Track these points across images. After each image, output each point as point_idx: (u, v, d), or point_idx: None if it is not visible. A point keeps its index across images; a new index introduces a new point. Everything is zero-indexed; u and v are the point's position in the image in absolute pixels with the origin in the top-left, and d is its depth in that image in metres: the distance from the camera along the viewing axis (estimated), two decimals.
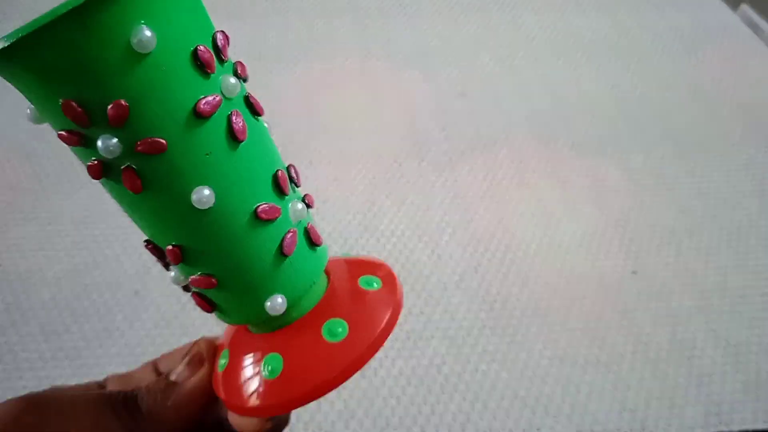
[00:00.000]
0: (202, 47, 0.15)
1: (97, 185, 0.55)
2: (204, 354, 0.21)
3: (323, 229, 0.58)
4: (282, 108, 0.72)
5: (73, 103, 0.15)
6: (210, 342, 0.21)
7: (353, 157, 0.66)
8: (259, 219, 0.17)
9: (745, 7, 0.95)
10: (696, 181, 0.65)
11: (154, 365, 0.22)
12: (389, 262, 0.55)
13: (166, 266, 0.19)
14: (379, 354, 0.47)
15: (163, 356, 0.22)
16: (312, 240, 0.19)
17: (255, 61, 0.80)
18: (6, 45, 0.13)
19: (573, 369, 0.47)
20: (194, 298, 0.19)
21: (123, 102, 0.14)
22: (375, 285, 0.20)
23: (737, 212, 0.62)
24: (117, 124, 0.15)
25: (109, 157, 0.15)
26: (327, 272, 0.20)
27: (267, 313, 0.18)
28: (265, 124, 0.19)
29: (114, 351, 0.47)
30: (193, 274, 0.18)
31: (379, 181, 0.63)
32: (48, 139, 0.66)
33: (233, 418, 0.20)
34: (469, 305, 0.51)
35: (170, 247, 0.17)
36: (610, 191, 0.63)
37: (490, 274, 0.54)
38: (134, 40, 0.14)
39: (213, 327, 0.48)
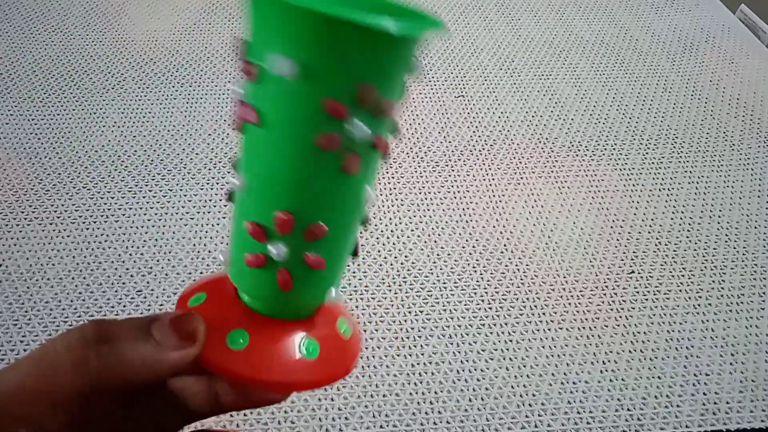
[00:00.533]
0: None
1: (99, 185, 0.55)
2: (198, 333, 0.20)
3: None
4: None
5: (370, 88, 0.17)
6: (201, 325, 0.20)
7: None
8: (366, 222, 0.20)
9: (743, 8, 0.96)
10: (694, 182, 0.65)
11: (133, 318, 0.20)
12: (389, 262, 0.55)
13: (266, 239, 0.19)
14: (380, 352, 0.48)
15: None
16: (357, 250, 0.22)
17: None
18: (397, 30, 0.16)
19: (570, 367, 0.47)
20: (282, 274, 0.20)
21: (392, 101, 0.18)
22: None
23: (735, 212, 0.62)
24: (376, 116, 0.17)
25: (357, 140, 0.17)
26: None
27: (321, 301, 0.20)
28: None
29: None
30: (312, 253, 0.19)
31: (379, 181, 0.64)
32: (49, 138, 0.67)
33: (251, 394, 0.21)
34: (468, 304, 0.52)
35: (314, 226, 0.19)
36: (608, 191, 0.64)
37: (489, 273, 0.54)
38: (412, 67, 0.18)
39: None
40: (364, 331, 0.49)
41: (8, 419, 0.17)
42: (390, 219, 0.60)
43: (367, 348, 0.48)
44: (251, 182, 0.19)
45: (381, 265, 0.55)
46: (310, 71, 0.16)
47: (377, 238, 0.58)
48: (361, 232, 0.21)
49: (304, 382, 0.20)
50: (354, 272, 0.54)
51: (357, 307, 0.51)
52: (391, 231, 0.58)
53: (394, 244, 0.57)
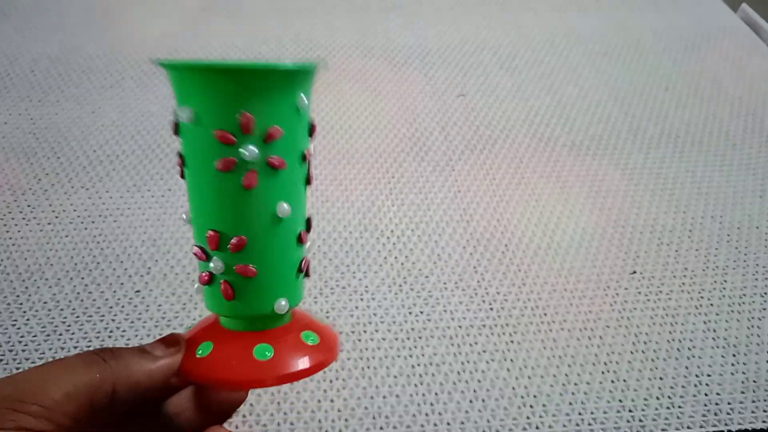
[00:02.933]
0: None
1: (97, 185, 0.55)
2: (180, 341, 0.24)
3: (323, 229, 0.58)
4: None
5: (249, 115, 0.21)
6: (182, 335, 0.24)
7: (353, 157, 0.66)
8: (300, 241, 0.24)
9: (745, 7, 0.95)
10: (696, 181, 0.65)
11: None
12: (389, 262, 0.55)
13: (207, 257, 0.23)
14: (379, 353, 0.48)
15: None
16: (308, 270, 0.25)
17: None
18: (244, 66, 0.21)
19: (572, 368, 0.47)
20: (223, 285, 0.23)
21: (278, 128, 0.21)
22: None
23: (737, 212, 0.62)
24: (266, 141, 0.21)
25: (248, 160, 0.21)
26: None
27: (273, 310, 0.23)
28: None
29: None
30: (240, 263, 0.23)
31: (379, 181, 0.63)
32: (48, 139, 0.66)
33: (210, 400, 0.24)
34: (469, 305, 0.52)
35: (236, 238, 0.22)
36: (610, 191, 0.63)
37: (490, 274, 0.54)
38: (298, 102, 0.22)
39: None
40: (364, 332, 0.49)
41: (28, 407, 0.19)
42: (390, 219, 0.59)
43: (366, 349, 0.48)
44: (191, 213, 0.23)
45: (381, 265, 0.55)
46: (200, 112, 0.21)
47: (377, 238, 0.57)
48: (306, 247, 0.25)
49: (254, 380, 0.22)
50: (354, 272, 0.54)
51: (357, 307, 0.51)
52: (392, 231, 0.58)
53: (394, 244, 0.57)
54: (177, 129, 0.23)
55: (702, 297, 0.53)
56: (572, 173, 0.65)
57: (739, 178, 0.66)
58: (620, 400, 0.45)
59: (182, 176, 0.23)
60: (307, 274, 0.25)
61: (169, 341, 0.23)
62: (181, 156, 0.23)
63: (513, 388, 0.46)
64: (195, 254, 0.23)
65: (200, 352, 0.23)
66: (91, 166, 0.63)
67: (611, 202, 0.62)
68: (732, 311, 0.52)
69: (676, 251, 0.57)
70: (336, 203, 0.61)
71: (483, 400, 0.45)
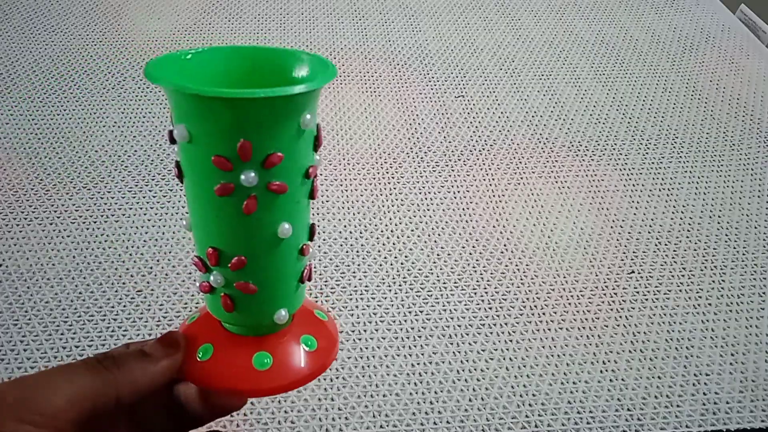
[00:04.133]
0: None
1: (99, 185, 0.55)
2: (179, 341, 0.23)
3: (323, 229, 0.58)
4: None
5: (247, 143, 0.20)
6: (183, 335, 0.24)
7: (353, 157, 0.66)
8: (302, 253, 0.23)
9: (744, 8, 0.96)
10: (694, 181, 0.65)
11: (126, 345, 0.24)
12: (389, 262, 0.55)
13: (207, 270, 0.23)
14: (380, 352, 0.48)
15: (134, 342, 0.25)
16: (310, 275, 0.25)
17: None
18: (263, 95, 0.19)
19: (570, 367, 0.47)
20: (223, 298, 0.23)
21: (279, 153, 0.20)
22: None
23: (735, 212, 0.62)
24: (266, 167, 0.20)
25: (247, 186, 0.20)
26: None
27: (272, 321, 0.23)
28: None
29: None
30: (240, 281, 0.22)
31: (379, 182, 0.64)
32: (49, 139, 0.67)
33: (213, 399, 0.24)
34: (468, 304, 0.52)
35: (236, 258, 0.22)
36: (608, 191, 0.64)
37: (489, 273, 0.54)
38: (302, 122, 0.21)
39: None
40: (364, 331, 0.49)
41: (28, 413, 0.19)
42: (390, 219, 0.60)
43: (367, 348, 0.48)
44: (191, 223, 0.23)
45: (381, 265, 0.55)
46: (197, 134, 0.20)
47: (377, 238, 0.58)
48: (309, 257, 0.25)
49: (253, 390, 0.23)
50: (354, 272, 0.54)
51: (357, 307, 0.51)
52: (391, 231, 0.58)
53: (394, 244, 0.57)
54: (173, 139, 0.22)
55: (700, 296, 0.53)
56: (571, 173, 0.66)
57: (737, 178, 0.66)
58: (619, 399, 0.45)
59: (180, 181, 0.23)
60: (309, 279, 0.25)
61: (168, 341, 0.23)
62: (178, 166, 0.22)
63: (512, 387, 0.46)
64: (195, 264, 0.23)
65: (201, 354, 0.24)
66: (92, 166, 0.64)
67: (609, 202, 0.62)
68: (730, 311, 0.52)
69: (675, 251, 0.58)
70: (336, 203, 0.61)
71: (482, 399, 0.45)
